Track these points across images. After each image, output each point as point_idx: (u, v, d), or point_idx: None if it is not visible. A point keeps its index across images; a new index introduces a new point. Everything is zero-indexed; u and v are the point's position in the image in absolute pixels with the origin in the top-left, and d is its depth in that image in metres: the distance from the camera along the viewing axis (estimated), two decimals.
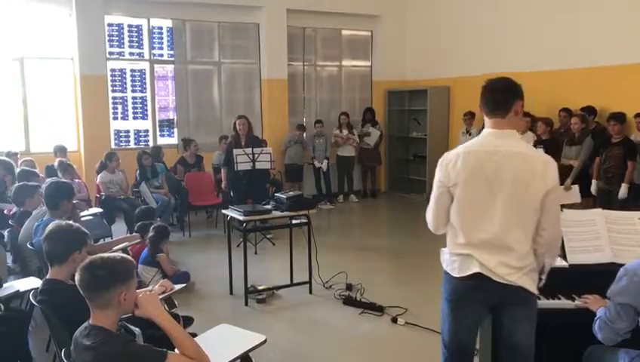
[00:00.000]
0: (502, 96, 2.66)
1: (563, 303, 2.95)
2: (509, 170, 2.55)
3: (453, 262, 2.69)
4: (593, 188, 6.99)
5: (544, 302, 2.94)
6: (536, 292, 2.65)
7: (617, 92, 7.64)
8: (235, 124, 7.55)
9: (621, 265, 2.70)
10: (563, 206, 7.40)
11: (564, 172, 7.35)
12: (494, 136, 2.66)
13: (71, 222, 3.28)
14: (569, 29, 8.28)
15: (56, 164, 7.45)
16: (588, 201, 7.16)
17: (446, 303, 2.75)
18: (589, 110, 7.69)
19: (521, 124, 2.74)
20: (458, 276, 2.65)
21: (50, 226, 3.13)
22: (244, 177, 7.33)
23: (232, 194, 7.70)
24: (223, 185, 7.93)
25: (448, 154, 2.73)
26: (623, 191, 6.66)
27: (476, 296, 2.64)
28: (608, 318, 2.61)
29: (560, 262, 3.15)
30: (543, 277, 2.73)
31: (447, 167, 2.68)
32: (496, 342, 2.78)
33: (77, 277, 2.33)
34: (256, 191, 7.17)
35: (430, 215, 2.79)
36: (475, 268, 2.59)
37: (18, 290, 3.96)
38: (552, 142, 7.65)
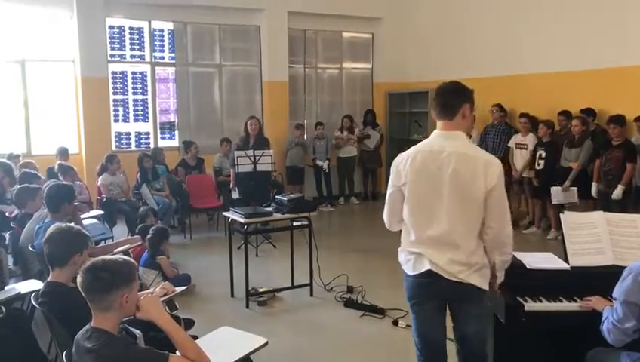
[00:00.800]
0: (450, 100, 2.79)
1: (565, 305, 2.95)
2: (452, 170, 2.67)
3: (408, 261, 2.82)
4: (593, 191, 7.00)
5: (546, 305, 2.94)
6: (486, 288, 2.74)
7: (617, 94, 7.63)
8: (246, 124, 7.73)
9: (622, 268, 2.70)
10: (563, 208, 7.45)
11: (564, 174, 7.37)
12: (442, 138, 2.78)
13: (72, 224, 3.28)
14: (570, 31, 8.28)
15: (56, 166, 7.45)
16: (588, 204, 7.17)
17: (408, 303, 2.89)
18: (589, 112, 7.69)
19: (468, 127, 2.93)
20: (412, 274, 2.78)
21: (51, 229, 3.13)
22: (247, 179, 7.36)
23: (238, 195, 7.71)
24: (231, 185, 7.95)
25: (401, 155, 2.87)
26: (617, 192, 6.65)
27: (431, 292, 2.76)
28: (616, 319, 2.60)
29: (562, 265, 3.16)
30: (499, 274, 2.80)
31: (398, 167, 2.83)
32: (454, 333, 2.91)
33: (79, 279, 2.33)
34: (259, 193, 7.19)
35: (385, 214, 2.95)
36: (426, 266, 2.71)
37: (19, 292, 3.96)
38: (552, 145, 7.66)
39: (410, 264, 2.80)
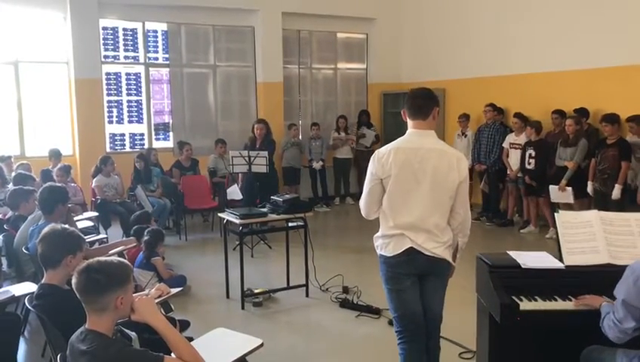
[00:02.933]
0: (424, 102, 3.14)
1: (560, 304, 2.95)
2: (430, 164, 3.04)
3: (387, 244, 3.13)
4: (589, 189, 7.03)
5: (541, 304, 2.94)
6: (453, 264, 3.19)
7: (610, 94, 7.66)
8: (253, 127, 8.03)
9: (617, 266, 2.70)
10: (558, 206, 7.47)
11: (559, 173, 7.40)
12: (417, 136, 3.14)
13: (66, 226, 3.26)
14: (562, 31, 8.31)
15: (56, 169, 7.39)
16: (583, 202, 7.19)
17: (386, 284, 3.18)
18: (582, 112, 7.72)
19: (435, 127, 3.21)
20: (392, 255, 3.10)
21: (46, 229, 3.12)
22: (257, 179, 7.40)
23: (241, 195, 7.70)
24: (239, 186, 7.94)
25: (380, 150, 3.16)
26: (616, 192, 6.69)
27: (410, 268, 3.10)
28: (617, 318, 2.59)
29: (556, 264, 3.17)
30: (458, 255, 3.25)
31: (381, 161, 3.10)
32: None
33: (74, 281, 2.32)
34: (265, 193, 7.13)
35: (363, 203, 3.24)
36: (407, 244, 3.06)
37: (13, 295, 3.94)
38: (541, 144, 7.71)
39: (390, 246, 3.11)
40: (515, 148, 8.22)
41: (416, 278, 3.14)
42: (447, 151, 3.11)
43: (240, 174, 7.96)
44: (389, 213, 3.11)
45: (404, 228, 3.06)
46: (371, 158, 3.17)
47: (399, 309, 3.16)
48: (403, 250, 3.07)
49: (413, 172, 3.04)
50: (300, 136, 10.54)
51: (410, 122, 3.17)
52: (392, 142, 3.16)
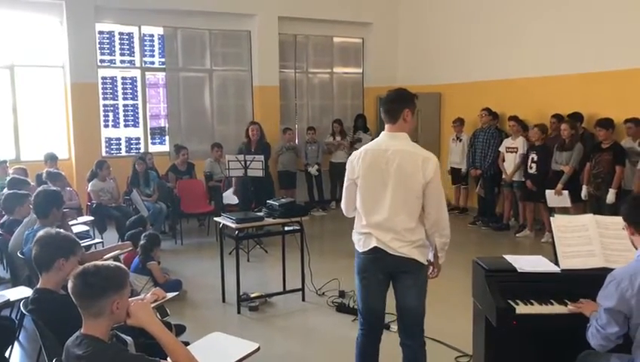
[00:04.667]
0: (392, 106, 3.24)
1: (556, 308, 2.95)
2: (396, 164, 3.13)
3: (359, 241, 3.28)
4: (583, 193, 7.05)
5: (537, 308, 2.95)
6: (425, 263, 3.24)
7: (604, 98, 7.69)
8: (247, 130, 7.84)
9: (613, 270, 2.71)
10: (553, 211, 7.49)
11: (556, 178, 7.42)
12: (387, 138, 3.24)
13: (61, 230, 3.25)
14: (558, 36, 8.34)
15: (44, 174, 7.36)
16: (579, 206, 7.21)
17: (357, 276, 3.34)
18: (576, 116, 7.74)
19: (411, 128, 3.28)
20: (362, 251, 3.25)
21: (40, 232, 3.12)
22: (247, 183, 7.37)
23: (237, 200, 7.70)
24: (233, 190, 7.93)
25: (354, 153, 3.34)
26: (610, 196, 6.71)
27: (377, 266, 3.22)
28: (600, 324, 2.62)
29: (552, 267, 3.17)
30: (441, 254, 3.29)
31: (352, 163, 3.29)
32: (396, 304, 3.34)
33: (70, 285, 2.31)
34: (260, 197, 7.14)
35: (342, 203, 3.45)
36: (374, 244, 3.18)
37: (8, 299, 3.92)
38: (544, 148, 7.71)
39: (360, 243, 3.27)
40: (511, 152, 8.24)
41: (386, 276, 3.26)
42: (414, 152, 3.16)
43: (234, 178, 7.95)
44: (361, 211, 3.27)
45: (373, 227, 3.19)
46: (347, 160, 3.36)
47: (363, 301, 3.34)
48: (370, 248, 3.21)
49: (379, 173, 3.17)
50: (297, 140, 10.53)
51: (385, 125, 3.30)
52: (365, 145, 3.35)
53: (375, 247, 3.18)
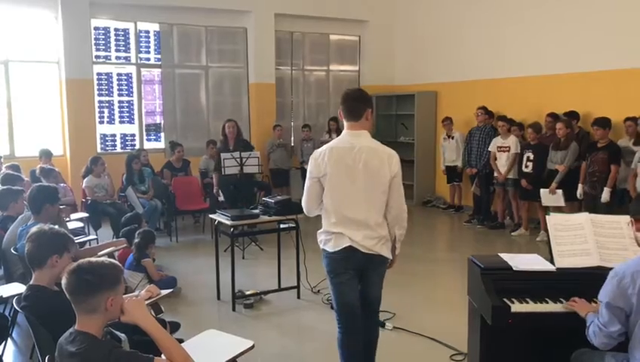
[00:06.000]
0: (356, 104, 3.33)
1: (551, 307, 2.95)
2: (364, 161, 3.23)
3: (328, 241, 3.35)
4: (579, 192, 7.07)
5: (532, 306, 2.95)
6: (390, 257, 3.40)
7: (600, 97, 7.72)
8: (224, 127, 7.58)
9: (608, 269, 2.71)
10: (548, 209, 7.50)
11: (550, 177, 7.43)
12: (351, 136, 3.33)
13: (54, 226, 3.23)
14: (554, 35, 8.37)
15: (37, 169, 7.32)
16: (574, 205, 7.23)
17: (329, 276, 3.41)
18: (572, 115, 7.76)
19: (370, 127, 3.41)
20: (333, 251, 3.31)
21: (33, 229, 3.09)
22: (231, 182, 7.32)
23: (222, 198, 7.68)
24: (215, 190, 7.89)
25: (317, 151, 3.37)
26: (605, 195, 6.73)
27: (349, 264, 3.32)
28: (601, 322, 2.61)
29: (547, 266, 3.17)
30: (398, 245, 3.44)
31: (317, 161, 3.31)
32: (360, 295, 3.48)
33: (64, 281, 2.29)
34: (243, 196, 7.16)
35: (304, 201, 3.45)
36: (346, 243, 3.26)
37: (1, 296, 3.90)
38: (539, 147, 7.72)
39: (331, 243, 3.33)
40: (503, 152, 8.25)
41: (355, 272, 3.37)
42: (378, 148, 3.31)
43: (214, 177, 7.88)
44: (330, 209, 3.31)
45: (345, 225, 3.27)
46: (310, 158, 3.39)
47: (338, 299, 3.40)
48: (342, 247, 3.28)
49: (347, 170, 3.24)
50: (292, 138, 10.51)
51: (345, 123, 3.35)
52: (329, 143, 3.39)
53: (348, 246, 3.26)
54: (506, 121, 8.27)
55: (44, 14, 9.06)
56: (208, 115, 10.36)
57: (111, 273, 2.33)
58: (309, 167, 3.40)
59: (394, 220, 3.33)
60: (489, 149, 8.46)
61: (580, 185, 7.07)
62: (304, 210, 3.49)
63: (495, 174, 8.41)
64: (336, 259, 3.32)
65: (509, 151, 8.16)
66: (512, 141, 8.17)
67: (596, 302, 2.78)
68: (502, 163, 8.27)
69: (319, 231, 3.43)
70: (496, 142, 8.38)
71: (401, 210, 3.33)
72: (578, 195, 7.09)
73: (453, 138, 9.46)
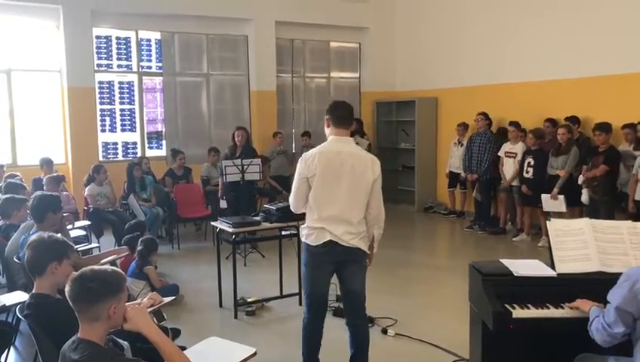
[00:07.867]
0: (347, 114, 3.73)
1: (552, 312, 2.96)
2: (350, 164, 3.56)
3: (310, 235, 3.64)
4: (584, 198, 7.01)
5: (533, 312, 2.95)
6: (368, 251, 3.71)
7: (600, 102, 7.73)
8: (233, 134, 7.75)
9: (609, 274, 2.72)
10: (549, 215, 7.48)
11: (551, 182, 7.43)
12: (339, 142, 3.66)
13: (53, 233, 3.23)
14: (554, 41, 8.39)
15: (44, 178, 7.34)
16: (574, 210, 7.23)
17: (305, 267, 3.73)
18: (573, 120, 7.77)
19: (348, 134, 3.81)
20: (314, 244, 3.61)
21: (33, 237, 3.10)
22: (231, 189, 7.35)
23: (225, 205, 7.70)
24: (219, 194, 7.91)
25: (307, 153, 3.67)
26: (584, 196, 6.85)
27: (327, 258, 3.62)
28: (607, 322, 2.61)
29: (548, 272, 3.18)
30: (375, 245, 3.78)
31: (307, 162, 3.61)
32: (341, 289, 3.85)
33: (67, 289, 2.30)
34: (244, 203, 7.18)
35: (292, 199, 3.72)
36: (327, 237, 3.57)
37: (4, 304, 3.91)
38: (540, 152, 7.72)
39: (312, 236, 3.62)
40: (511, 157, 8.24)
41: (333, 266, 3.67)
42: (362, 154, 3.69)
43: (219, 182, 7.93)
44: (314, 206, 3.60)
45: (327, 221, 3.56)
46: (299, 161, 3.67)
47: (311, 288, 3.73)
48: (323, 241, 3.58)
49: (334, 172, 3.55)
50: (293, 145, 10.53)
51: (333, 130, 3.68)
52: (316, 148, 3.70)
53: (329, 241, 3.56)
54: (517, 127, 8.26)
55: (46, 24, 9.11)
56: (209, 122, 10.38)
57: (114, 281, 2.34)
58: (298, 168, 3.66)
59: (373, 220, 3.65)
60: (498, 154, 8.45)
61: (584, 191, 7.03)
62: (291, 207, 3.77)
63: (502, 180, 8.40)
64: (317, 253, 3.62)
65: (516, 157, 8.14)
66: (519, 147, 8.16)
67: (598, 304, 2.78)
68: (508, 169, 8.26)
69: (302, 226, 3.74)
70: (505, 147, 8.37)
71: (380, 211, 3.66)
72: (583, 201, 7.04)
73: (463, 145, 9.37)
